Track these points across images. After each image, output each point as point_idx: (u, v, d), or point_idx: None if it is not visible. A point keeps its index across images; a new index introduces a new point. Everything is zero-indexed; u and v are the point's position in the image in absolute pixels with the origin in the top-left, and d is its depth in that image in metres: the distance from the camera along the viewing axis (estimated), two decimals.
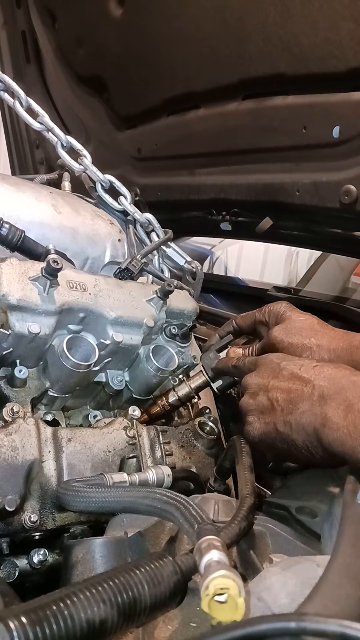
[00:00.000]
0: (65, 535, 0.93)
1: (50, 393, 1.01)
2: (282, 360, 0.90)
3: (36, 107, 1.33)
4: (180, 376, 1.17)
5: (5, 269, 0.94)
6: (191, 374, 1.17)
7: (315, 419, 0.77)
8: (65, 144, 1.35)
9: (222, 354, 1.11)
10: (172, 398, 1.12)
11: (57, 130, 1.33)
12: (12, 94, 1.34)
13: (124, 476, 0.88)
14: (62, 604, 0.49)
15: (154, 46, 1.68)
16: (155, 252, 1.39)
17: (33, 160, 2.54)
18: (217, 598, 0.50)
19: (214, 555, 0.54)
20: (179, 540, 0.75)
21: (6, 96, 1.35)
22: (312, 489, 0.86)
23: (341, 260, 2.88)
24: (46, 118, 1.34)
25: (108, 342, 1.03)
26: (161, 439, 1.07)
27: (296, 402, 0.81)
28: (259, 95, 1.47)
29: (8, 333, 0.92)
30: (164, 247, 1.41)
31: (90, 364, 0.98)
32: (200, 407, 1.23)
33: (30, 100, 1.33)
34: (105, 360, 1.05)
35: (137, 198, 1.44)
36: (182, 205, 1.84)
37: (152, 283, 1.35)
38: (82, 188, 1.46)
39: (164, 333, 1.16)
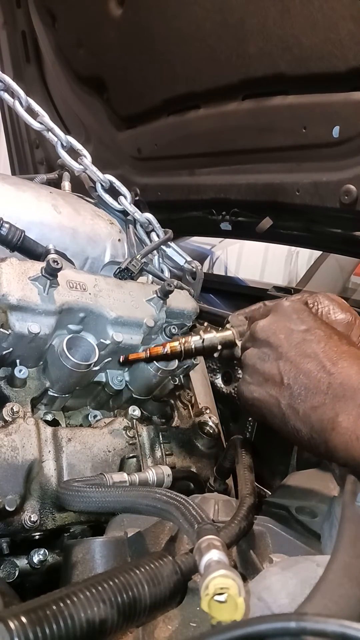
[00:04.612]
0: (65, 535, 0.93)
1: (50, 393, 1.01)
2: (303, 323, 0.81)
3: (36, 107, 1.33)
4: (205, 324, 1.11)
5: (5, 269, 0.94)
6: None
7: (325, 418, 0.73)
8: (65, 144, 1.35)
9: None
10: (194, 338, 0.97)
11: (57, 130, 1.33)
12: (12, 94, 1.33)
13: (124, 476, 0.88)
14: (62, 604, 0.49)
15: (154, 46, 1.68)
16: (155, 252, 1.39)
17: (33, 160, 2.54)
18: (217, 598, 0.50)
19: (214, 555, 0.54)
20: (179, 540, 0.75)
21: (6, 96, 1.35)
22: (312, 489, 0.86)
23: (341, 260, 2.89)
24: (46, 118, 1.34)
25: (108, 342, 1.03)
26: (161, 438, 1.07)
27: (311, 391, 0.76)
28: (259, 95, 1.47)
29: (8, 333, 0.92)
30: (164, 247, 1.41)
31: (90, 364, 0.98)
32: (200, 407, 1.23)
33: (30, 100, 1.33)
34: (105, 360, 1.05)
35: (137, 198, 1.44)
36: (182, 205, 1.84)
37: (152, 283, 1.35)
38: (82, 188, 1.46)
39: (164, 333, 1.16)
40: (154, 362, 1.05)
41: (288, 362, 0.79)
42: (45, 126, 1.34)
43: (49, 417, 1.04)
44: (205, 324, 1.08)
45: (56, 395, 1.01)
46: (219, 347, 0.97)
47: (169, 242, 1.41)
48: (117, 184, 1.37)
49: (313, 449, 0.78)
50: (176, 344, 0.97)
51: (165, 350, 0.97)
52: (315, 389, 0.76)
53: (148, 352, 0.98)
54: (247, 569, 0.72)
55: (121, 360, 1.00)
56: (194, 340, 0.97)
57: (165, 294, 1.12)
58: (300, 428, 0.77)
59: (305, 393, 0.76)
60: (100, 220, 1.33)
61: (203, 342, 0.97)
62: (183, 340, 0.97)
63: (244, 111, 1.52)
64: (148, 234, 1.41)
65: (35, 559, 0.89)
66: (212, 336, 0.97)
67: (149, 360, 0.99)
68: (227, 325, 0.98)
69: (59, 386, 1.00)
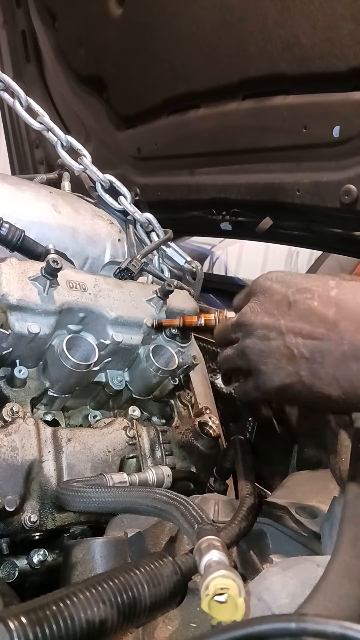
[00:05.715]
0: (65, 535, 0.93)
1: (50, 393, 1.01)
2: (286, 287, 0.76)
3: (36, 107, 1.33)
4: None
5: (5, 269, 0.94)
6: None
7: (350, 372, 0.68)
8: (65, 144, 1.35)
9: None
10: (230, 314, 0.93)
11: (56, 130, 1.33)
12: (12, 94, 1.34)
13: (123, 476, 0.88)
14: (62, 604, 0.49)
15: (154, 46, 1.68)
16: (155, 252, 1.39)
17: (33, 159, 2.54)
18: (217, 598, 0.50)
19: (214, 555, 0.54)
20: (179, 540, 0.75)
21: (6, 96, 1.35)
22: (312, 489, 0.86)
23: (341, 260, 2.89)
24: (46, 117, 1.34)
25: (108, 342, 1.03)
26: (161, 439, 1.07)
27: (325, 350, 0.70)
28: (259, 94, 1.47)
29: (8, 333, 0.92)
30: (164, 247, 1.41)
31: (90, 364, 0.98)
32: (200, 407, 1.23)
33: (30, 100, 1.33)
34: (105, 360, 1.05)
35: (137, 198, 1.44)
36: (182, 205, 1.84)
37: (152, 283, 1.35)
38: (82, 188, 1.46)
39: (164, 333, 1.16)
40: (156, 363, 1.06)
41: (290, 332, 0.74)
42: (45, 126, 1.34)
43: (48, 417, 1.04)
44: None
45: (56, 395, 1.01)
46: None
47: (169, 242, 1.41)
48: (117, 183, 1.37)
49: (350, 409, 0.74)
50: (212, 316, 0.95)
51: (200, 322, 0.96)
52: (328, 346, 0.70)
53: (182, 320, 0.99)
54: (247, 570, 0.72)
55: (155, 324, 1.01)
56: (230, 316, 0.93)
57: (165, 294, 1.12)
58: (330, 392, 0.71)
59: (320, 355, 0.71)
60: (100, 220, 1.33)
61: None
62: (218, 312, 0.94)
63: (244, 111, 1.51)
64: (148, 234, 1.41)
65: (35, 559, 0.89)
66: None
67: (182, 329, 0.99)
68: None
69: (59, 386, 1.00)
